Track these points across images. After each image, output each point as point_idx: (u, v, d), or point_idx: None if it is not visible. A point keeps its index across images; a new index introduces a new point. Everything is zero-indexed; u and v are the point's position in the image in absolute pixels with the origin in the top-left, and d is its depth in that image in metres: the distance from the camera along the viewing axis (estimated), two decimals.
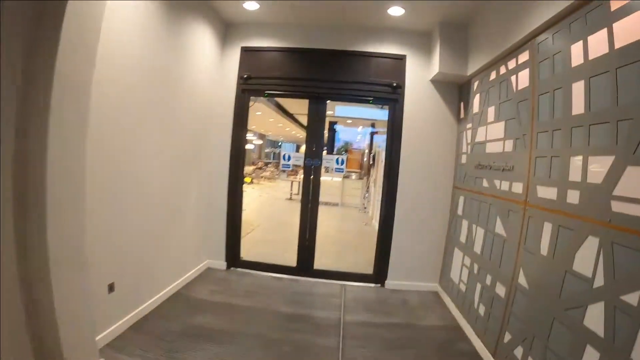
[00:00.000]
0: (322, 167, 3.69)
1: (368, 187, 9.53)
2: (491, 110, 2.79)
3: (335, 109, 7.77)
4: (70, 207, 1.80)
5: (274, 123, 12.68)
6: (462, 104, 3.46)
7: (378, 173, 7.69)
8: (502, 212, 2.45)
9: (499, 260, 2.45)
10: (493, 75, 2.83)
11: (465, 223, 3.10)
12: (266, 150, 21.44)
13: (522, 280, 2.16)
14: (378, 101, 3.54)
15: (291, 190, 10.24)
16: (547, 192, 1.99)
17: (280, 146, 22.12)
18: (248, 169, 15.21)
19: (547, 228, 1.96)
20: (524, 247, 2.17)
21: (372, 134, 7.53)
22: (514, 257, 2.26)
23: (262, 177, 14.78)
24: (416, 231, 3.55)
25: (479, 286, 2.72)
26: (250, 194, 10.38)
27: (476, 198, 2.91)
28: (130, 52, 2.28)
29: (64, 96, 1.62)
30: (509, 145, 2.47)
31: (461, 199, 3.25)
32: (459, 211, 3.27)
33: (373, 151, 9.25)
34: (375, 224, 7.48)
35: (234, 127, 3.64)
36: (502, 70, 2.68)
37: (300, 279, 3.65)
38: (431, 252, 3.58)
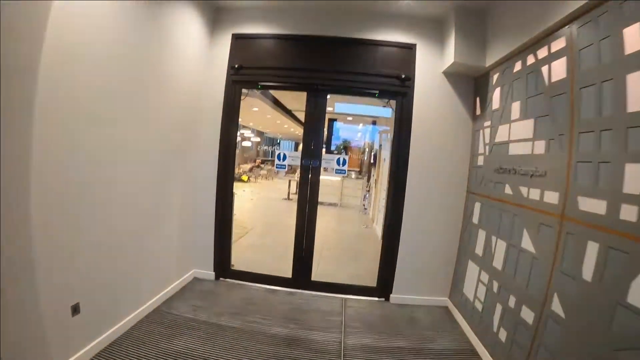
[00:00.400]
0: (321, 167, 3.35)
1: (369, 187, 9.23)
2: (516, 106, 2.46)
3: (335, 106, 7.42)
4: (11, 216, 1.50)
5: (272, 120, 12.31)
6: (477, 99, 3.12)
7: (380, 172, 7.37)
8: (531, 224, 2.13)
9: (525, 281, 2.13)
10: (518, 66, 2.50)
11: (482, 233, 2.78)
12: (264, 148, 21.05)
13: (556, 307, 1.85)
14: (384, 94, 3.20)
15: (289, 189, 9.90)
16: (592, 205, 1.68)
17: (278, 144, 21.76)
18: (245, 166, 14.89)
19: (592, 248, 1.65)
20: (560, 268, 1.85)
21: (381, 132, 7.22)
22: (545, 278, 1.95)
23: (259, 175, 14.46)
24: (425, 240, 3.23)
25: (499, 307, 2.40)
26: (246, 193, 10.04)
27: (496, 206, 2.58)
28: (98, 36, 1.94)
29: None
30: (540, 146, 2.14)
31: (477, 206, 2.93)
32: (474, 219, 2.95)
33: (374, 149, 8.93)
34: (377, 227, 7.23)
35: (224, 121, 3.29)
36: (530, 60, 2.35)
37: (296, 292, 3.32)
38: (441, 263, 3.26)
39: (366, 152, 10.68)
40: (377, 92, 3.12)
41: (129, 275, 2.47)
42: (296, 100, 7.80)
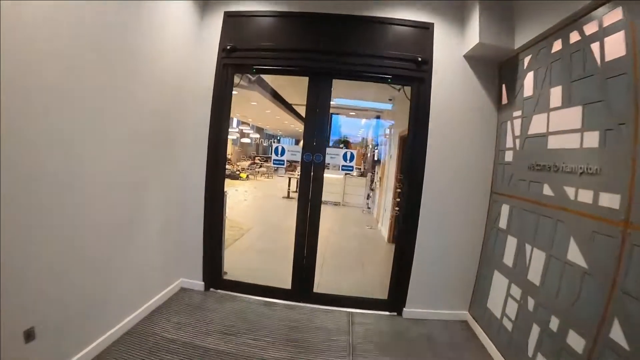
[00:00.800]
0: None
1: (372, 186, 8.90)
2: (556, 92, 2.12)
3: (334, 100, 7.08)
4: None
5: (271, 115, 11.97)
6: (503, 87, 2.78)
7: (385, 170, 7.04)
8: (581, 233, 1.80)
9: (573, 300, 1.80)
10: (557, 46, 2.16)
11: (512, 241, 2.44)
12: (264, 145, 20.71)
13: (616, 334, 1.53)
14: (398, 80, 2.84)
15: (289, 187, 9.56)
16: None
17: (278, 140, 21.43)
18: (244, 163, 14.57)
19: None
20: (622, 287, 1.52)
21: (390, 128, 6.88)
22: (602, 299, 1.62)
23: (258, 172, 14.15)
24: (443, 246, 2.89)
25: (536, 329, 2.07)
26: (240, 193, 9.71)
27: (531, 209, 2.24)
28: (63, 15, 1.60)
29: None
30: (591, 138, 1.80)
31: (505, 209, 2.59)
32: (502, 224, 2.61)
33: (378, 145, 8.59)
34: (382, 227, 6.91)
35: (214, 112, 2.94)
36: (574, 37, 2.01)
37: (296, 306, 2.98)
38: (460, 272, 2.94)
39: (369, 149, 10.34)
40: (390, 77, 2.75)
41: (101, 290, 2.14)
42: (297, 93, 7.43)
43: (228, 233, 5.32)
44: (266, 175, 14.19)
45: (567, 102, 2.02)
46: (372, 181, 8.80)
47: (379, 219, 7.10)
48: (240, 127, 15.72)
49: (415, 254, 2.87)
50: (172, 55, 2.64)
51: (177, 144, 2.87)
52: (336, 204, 9.12)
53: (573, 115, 1.95)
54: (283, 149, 3.07)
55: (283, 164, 3.08)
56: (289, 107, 9.62)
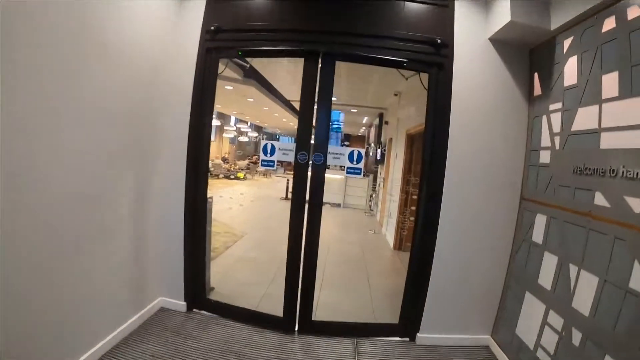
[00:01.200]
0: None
1: (375, 187, 8.55)
2: (610, 79, 1.76)
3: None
4: None
5: (270, 113, 11.61)
6: (536, 75, 2.42)
7: (389, 171, 6.69)
8: None
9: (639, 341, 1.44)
10: (609, 24, 1.80)
11: (550, 259, 2.09)
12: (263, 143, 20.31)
13: None
14: (414, 65, 2.43)
15: (287, 188, 9.20)
16: None
17: (277, 139, 21.06)
18: (242, 163, 14.21)
19: None
20: None
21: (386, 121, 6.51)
22: None
23: (256, 172, 13.81)
24: (465, 260, 2.55)
25: None
26: (240, 194, 9.34)
27: (578, 222, 1.89)
28: None
29: None
30: None
31: (540, 220, 2.24)
32: (536, 237, 2.26)
33: (382, 144, 8.22)
34: (386, 232, 6.56)
35: (195, 104, 2.57)
36: (633, 12, 1.65)
37: (292, 338, 2.57)
38: (483, 290, 2.60)
39: (371, 147, 9.98)
40: (406, 61, 2.36)
41: (54, 319, 1.78)
42: (296, 89, 7.04)
43: (220, 240, 4.98)
44: (264, 175, 13.85)
45: (626, 92, 1.66)
46: (375, 183, 8.44)
47: (383, 223, 6.76)
48: (238, 126, 15.38)
49: (433, 271, 2.51)
50: (146, 40, 2.27)
51: (152, 145, 2.50)
52: (336, 204, 8.79)
53: (636, 108, 1.60)
54: (273, 147, 2.59)
55: (273, 166, 2.61)
56: (287, 104, 9.25)
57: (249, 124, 17.02)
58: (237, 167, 13.37)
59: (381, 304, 3.19)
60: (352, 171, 2.54)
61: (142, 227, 2.50)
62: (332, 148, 2.54)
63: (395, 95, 6.16)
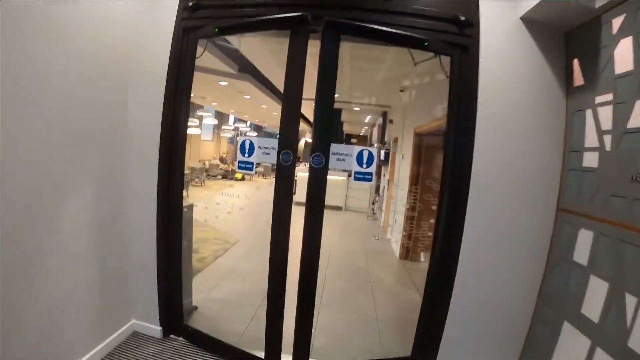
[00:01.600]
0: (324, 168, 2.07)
1: (378, 189, 8.20)
2: None
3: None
4: None
5: (268, 111, 11.29)
6: (576, 62, 2.07)
7: (395, 172, 6.34)
8: None
9: None
10: None
11: (598, 284, 1.74)
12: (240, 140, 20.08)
13: None
14: (434, 46, 2.01)
15: None
16: None
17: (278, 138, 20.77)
18: None
19: None
20: None
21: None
22: None
23: (255, 172, 13.53)
24: (492, 282, 2.18)
25: None
26: (236, 196, 8.99)
27: (638, 241, 1.53)
28: None
29: None
30: None
31: (585, 236, 1.88)
32: (578, 257, 1.91)
33: (387, 143, 7.87)
34: (391, 237, 6.20)
35: (168, 94, 2.21)
36: None
37: None
38: (509, 314, 2.24)
39: (375, 147, 9.63)
40: (426, 40, 1.96)
41: None
42: None
43: (209, 248, 4.63)
44: (263, 175, 13.56)
45: None
46: (378, 184, 8.10)
47: (387, 228, 6.41)
48: (237, 125, 15.09)
49: (453, 296, 2.15)
50: (114, 24, 1.94)
51: (118, 141, 2.17)
52: (337, 207, 8.47)
53: None
54: (252, 144, 2.09)
55: (252, 169, 2.13)
56: None
57: (248, 123, 16.73)
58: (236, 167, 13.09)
59: (389, 326, 2.84)
60: (361, 177, 2.05)
61: (109, 239, 2.16)
62: (336, 147, 2.04)
63: (402, 91, 5.81)
